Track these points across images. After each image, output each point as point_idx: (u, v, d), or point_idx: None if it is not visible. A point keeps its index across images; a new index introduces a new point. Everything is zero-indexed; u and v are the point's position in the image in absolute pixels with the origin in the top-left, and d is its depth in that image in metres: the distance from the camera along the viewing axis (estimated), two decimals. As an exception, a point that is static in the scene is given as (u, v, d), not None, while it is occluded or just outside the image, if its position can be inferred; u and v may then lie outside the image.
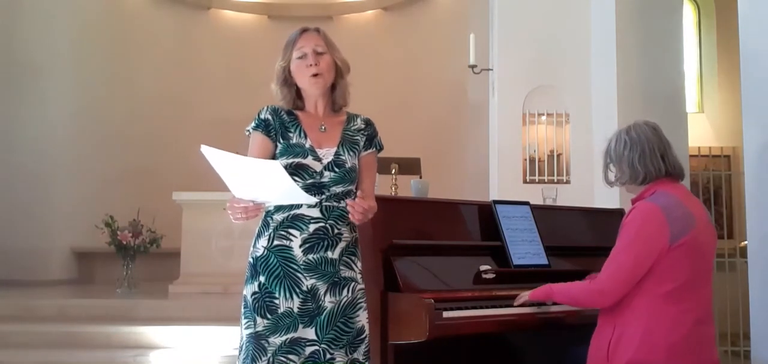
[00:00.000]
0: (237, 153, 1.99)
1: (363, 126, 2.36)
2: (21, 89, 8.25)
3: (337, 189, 2.22)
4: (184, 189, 7.33)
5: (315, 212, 2.19)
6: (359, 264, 2.28)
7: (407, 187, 3.91)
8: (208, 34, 10.00)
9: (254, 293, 2.19)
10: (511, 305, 2.61)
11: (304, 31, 2.32)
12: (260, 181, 2.03)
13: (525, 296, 2.60)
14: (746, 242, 3.09)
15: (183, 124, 9.40)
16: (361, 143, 2.32)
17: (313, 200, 2.13)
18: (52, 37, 8.45)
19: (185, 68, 9.63)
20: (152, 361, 4.94)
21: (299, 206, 2.18)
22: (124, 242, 6.92)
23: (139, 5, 9.59)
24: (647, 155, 2.39)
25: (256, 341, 2.16)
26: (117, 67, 9.05)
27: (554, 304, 2.61)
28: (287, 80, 2.31)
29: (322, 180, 2.20)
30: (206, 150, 1.96)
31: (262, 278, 2.18)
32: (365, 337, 2.23)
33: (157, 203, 7.56)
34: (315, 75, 2.25)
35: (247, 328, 2.20)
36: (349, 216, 2.13)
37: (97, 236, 7.18)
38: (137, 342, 5.23)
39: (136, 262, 7.15)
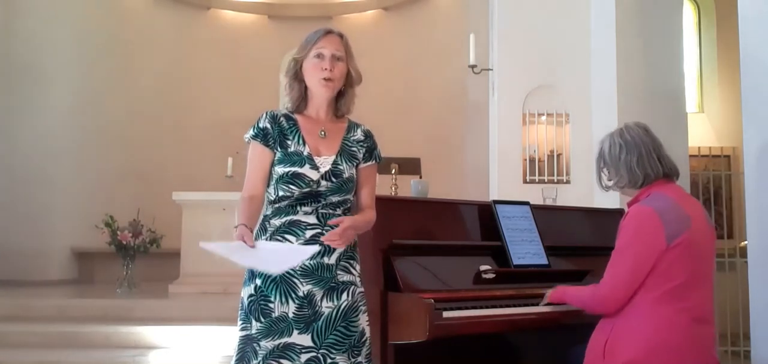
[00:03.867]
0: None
1: (363, 138, 2.33)
2: (21, 89, 8.26)
3: (334, 199, 2.20)
4: (184, 189, 7.34)
5: (312, 219, 2.18)
6: (358, 267, 2.27)
7: (407, 187, 3.91)
8: (208, 34, 10.00)
9: (250, 296, 2.19)
10: (511, 305, 2.61)
11: (329, 32, 2.28)
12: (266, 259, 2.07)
13: (547, 297, 2.63)
14: (746, 242, 3.09)
15: (183, 124, 9.42)
16: (361, 155, 2.30)
17: (315, 249, 2.11)
18: (52, 37, 8.45)
19: (185, 68, 9.63)
20: (152, 361, 4.94)
21: (296, 213, 2.18)
22: (124, 242, 6.92)
23: (139, 5, 9.59)
24: (644, 158, 2.39)
25: (249, 343, 2.15)
26: (117, 67, 9.05)
27: (551, 305, 2.63)
28: (297, 75, 2.28)
29: (319, 189, 2.19)
30: (206, 245, 1.95)
31: (258, 281, 2.18)
32: (366, 340, 2.22)
33: (157, 202, 7.57)
34: (326, 79, 2.22)
35: (242, 329, 2.19)
36: (331, 244, 2.11)
37: (97, 236, 7.18)
38: (137, 342, 5.23)
39: (136, 262, 7.16)
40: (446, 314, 2.43)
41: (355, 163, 2.28)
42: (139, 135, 9.05)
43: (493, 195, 5.83)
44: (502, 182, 5.75)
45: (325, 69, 2.22)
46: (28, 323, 5.54)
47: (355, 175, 2.27)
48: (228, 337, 5.13)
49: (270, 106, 2.39)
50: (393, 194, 4.39)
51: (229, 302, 5.93)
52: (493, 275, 2.77)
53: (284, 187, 2.18)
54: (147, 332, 5.31)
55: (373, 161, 2.34)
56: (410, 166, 5.17)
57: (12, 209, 8.04)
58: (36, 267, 8.00)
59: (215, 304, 6.06)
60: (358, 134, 2.34)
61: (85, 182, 8.51)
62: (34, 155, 8.20)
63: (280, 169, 2.20)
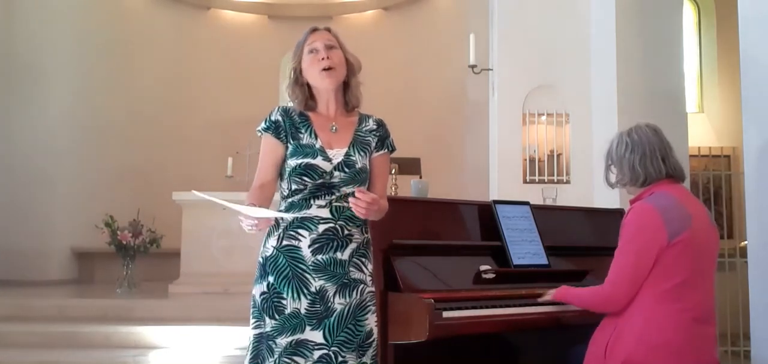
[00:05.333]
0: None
1: (375, 127, 2.34)
2: (21, 89, 8.25)
3: (347, 190, 2.19)
4: (184, 189, 7.33)
5: (325, 213, 2.17)
6: (370, 266, 2.26)
7: (407, 187, 3.91)
8: (208, 34, 10.00)
9: (263, 293, 2.19)
10: (511, 305, 2.61)
11: (315, 29, 2.32)
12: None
13: (549, 294, 2.61)
14: (746, 242, 3.09)
15: (183, 124, 9.42)
16: (373, 144, 2.31)
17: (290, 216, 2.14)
18: (52, 37, 8.45)
19: (185, 68, 9.63)
20: (152, 361, 4.93)
21: (309, 207, 2.18)
22: (124, 242, 6.92)
23: (139, 5, 9.59)
24: (648, 157, 2.40)
25: (264, 341, 2.16)
26: (117, 67, 9.05)
27: (556, 304, 2.62)
28: (298, 80, 2.30)
29: (332, 180, 2.19)
30: (198, 193, 1.99)
31: (270, 278, 2.18)
32: (373, 341, 2.22)
33: (157, 203, 7.56)
34: (327, 69, 2.23)
35: (255, 328, 2.20)
36: (353, 209, 2.09)
37: (97, 236, 7.18)
38: (137, 342, 5.23)
39: (136, 262, 7.16)
40: (446, 314, 2.43)
41: (367, 153, 2.28)
42: (139, 135, 9.05)
43: (493, 195, 5.83)
44: (502, 182, 5.75)
45: (323, 58, 2.24)
46: (28, 323, 5.54)
47: (367, 166, 2.27)
48: (228, 337, 5.14)
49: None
50: (393, 194, 4.40)
51: (229, 302, 5.95)
52: (493, 275, 2.77)
53: (297, 179, 2.19)
54: (147, 332, 5.30)
55: (386, 150, 2.34)
56: (410, 166, 5.18)
57: (12, 209, 8.04)
58: (36, 267, 8.00)
59: (215, 304, 6.05)
60: (370, 124, 2.35)
61: (85, 181, 8.50)
62: (34, 155, 8.19)
63: (292, 162, 2.20)
